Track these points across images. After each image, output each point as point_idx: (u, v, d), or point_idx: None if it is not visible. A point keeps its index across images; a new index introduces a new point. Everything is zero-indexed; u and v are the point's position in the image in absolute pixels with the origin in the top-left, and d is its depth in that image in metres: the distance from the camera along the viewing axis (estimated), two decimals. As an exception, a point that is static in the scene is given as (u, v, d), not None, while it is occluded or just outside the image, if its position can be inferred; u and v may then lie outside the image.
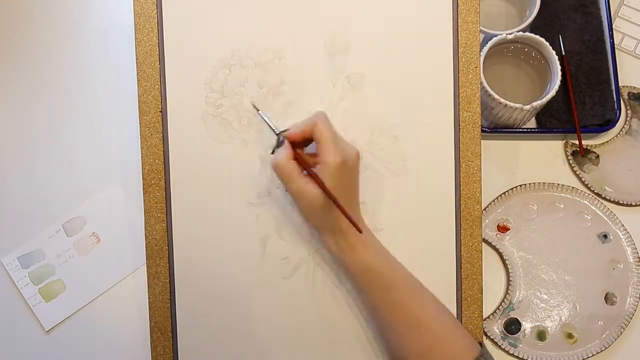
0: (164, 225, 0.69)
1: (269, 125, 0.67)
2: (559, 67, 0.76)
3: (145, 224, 0.69)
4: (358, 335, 0.70)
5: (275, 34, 0.69)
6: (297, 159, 0.64)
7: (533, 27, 0.82)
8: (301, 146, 0.66)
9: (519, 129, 0.81)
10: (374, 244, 0.66)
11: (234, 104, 0.69)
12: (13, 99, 0.81)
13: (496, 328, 0.78)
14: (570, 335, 0.77)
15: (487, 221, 0.80)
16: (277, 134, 0.66)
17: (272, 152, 0.67)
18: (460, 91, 0.70)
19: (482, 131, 0.73)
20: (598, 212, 0.80)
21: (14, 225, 0.78)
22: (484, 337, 0.77)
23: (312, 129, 0.63)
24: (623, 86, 0.84)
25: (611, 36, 0.82)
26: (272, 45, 0.69)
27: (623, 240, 0.79)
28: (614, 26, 0.84)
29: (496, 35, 0.77)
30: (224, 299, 0.69)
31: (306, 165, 0.63)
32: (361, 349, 0.70)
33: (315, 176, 0.62)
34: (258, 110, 0.68)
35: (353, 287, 0.68)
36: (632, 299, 0.78)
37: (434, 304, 0.66)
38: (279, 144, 0.65)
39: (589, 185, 0.81)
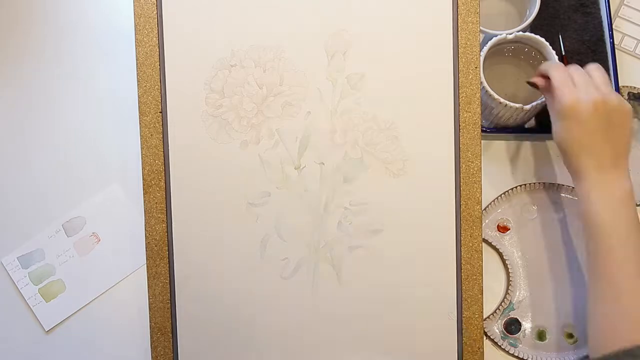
0: (164, 225, 0.69)
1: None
2: (559, 67, 0.76)
3: (145, 225, 0.69)
4: (358, 335, 0.70)
5: (275, 34, 0.69)
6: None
7: (533, 27, 0.82)
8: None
9: (519, 129, 0.81)
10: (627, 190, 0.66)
11: (234, 104, 0.69)
12: (13, 98, 0.81)
13: (496, 328, 0.78)
14: (570, 335, 0.77)
15: (487, 221, 0.80)
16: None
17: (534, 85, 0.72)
18: (460, 91, 0.70)
19: (482, 131, 0.73)
20: (598, 212, 0.80)
21: (14, 225, 0.78)
22: (484, 337, 0.77)
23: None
24: (623, 86, 0.84)
25: (611, 36, 0.82)
26: (272, 45, 0.69)
27: (623, 240, 0.79)
28: (614, 26, 0.84)
29: (496, 35, 0.77)
30: (224, 300, 0.69)
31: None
32: (361, 349, 0.70)
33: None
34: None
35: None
36: (632, 299, 0.78)
37: None
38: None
39: (589, 185, 0.81)
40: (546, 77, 0.71)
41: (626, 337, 0.61)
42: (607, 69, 0.82)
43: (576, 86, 0.67)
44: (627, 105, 0.67)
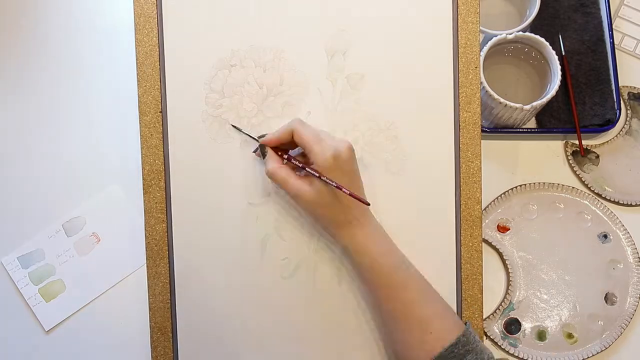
0: (164, 225, 0.69)
1: (250, 136, 0.68)
2: (559, 67, 0.76)
3: (145, 224, 0.69)
4: (358, 334, 0.70)
5: (275, 34, 0.69)
6: (288, 161, 0.65)
7: (533, 27, 0.82)
8: (288, 149, 0.67)
9: (519, 129, 0.81)
10: (377, 231, 0.66)
11: (234, 104, 0.69)
12: (13, 99, 0.81)
13: (496, 328, 0.78)
14: (570, 335, 0.77)
15: (487, 221, 0.80)
16: (258, 141, 0.67)
17: (255, 151, 0.68)
18: (460, 91, 0.70)
19: (482, 131, 0.73)
20: (598, 212, 0.80)
21: (14, 225, 0.78)
22: (484, 337, 0.77)
23: (291, 135, 0.64)
24: (623, 86, 0.84)
25: (611, 36, 0.82)
26: (272, 45, 0.69)
27: (623, 240, 0.79)
28: (614, 26, 0.84)
29: (496, 35, 0.77)
30: (224, 299, 0.69)
31: (298, 163, 0.64)
32: (362, 349, 0.70)
33: (310, 169, 0.63)
34: (239, 129, 0.69)
35: (355, 276, 0.69)
36: (632, 299, 0.78)
37: (421, 289, 0.66)
38: (263, 153, 0.66)
39: (589, 185, 0.81)
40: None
41: (422, 347, 0.63)
42: (607, 69, 0.82)
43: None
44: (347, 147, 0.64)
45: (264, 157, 0.66)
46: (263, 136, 0.67)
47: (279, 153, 0.66)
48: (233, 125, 0.68)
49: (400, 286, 0.64)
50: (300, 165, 0.64)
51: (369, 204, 0.62)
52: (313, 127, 0.65)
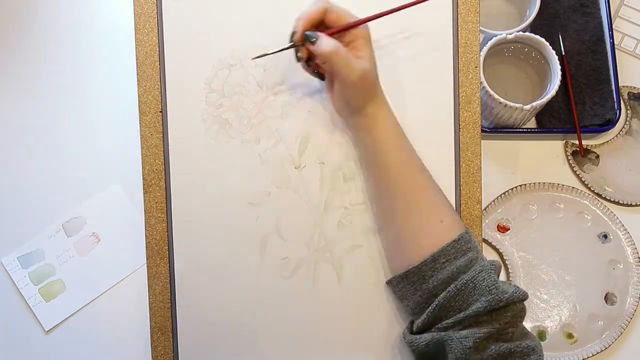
0: (164, 225, 0.69)
1: (283, 48, 0.63)
2: (559, 67, 0.76)
3: (145, 224, 0.69)
4: (358, 335, 0.70)
5: (275, 34, 0.69)
6: (336, 32, 0.63)
7: (533, 27, 0.82)
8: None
9: (519, 129, 0.81)
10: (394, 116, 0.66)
11: (234, 104, 0.69)
12: (13, 98, 0.81)
13: (496, 328, 0.78)
14: (570, 335, 0.77)
15: (487, 221, 0.80)
16: (303, 35, 0.62)
17: (298, 59, 0.64)
18: (460, 91, 0.70)
19: (482, 131, 0.73)
20: (598, 212, 0.80)
21: (14, 225, 0.78)
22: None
23: (322, 15, 0.62)
24: (623, 86, 0.84)
25: (611, 36, 0.82)
26: (272, 45, 0.69)
27: (623, 240, 0.79)
28: (614, 26, 0.84)
29: (496, 35, 0.78)
30: (224, 299, 0.69)
31: (343, 24, 0.62)
32: (361, 349, 0.70)
33: (367, 18, 0.62)
34: (266, 54, 0.65)
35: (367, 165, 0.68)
36: (632, 299, 0.78)
37: (428, 175, 0.66)
38: (311, 41, 0.61)
39: (589, 185, 0.81)
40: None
41: (433, 235, 0.63)
42: (607, 69, 0.82)
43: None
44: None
45: (299, 58, 0.63)
46: (293, 35, 0.63)
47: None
48: (258, 56, 0.65)
49: (417, 168, 0.65)
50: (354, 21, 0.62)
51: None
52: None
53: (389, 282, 0.67)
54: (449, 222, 0.63)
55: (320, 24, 0.63)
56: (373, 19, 0.63)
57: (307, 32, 0.62)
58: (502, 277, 0.79)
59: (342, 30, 0.63)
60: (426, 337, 0.61)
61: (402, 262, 0.65)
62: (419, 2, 0.64)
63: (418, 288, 0.63)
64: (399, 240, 0.66)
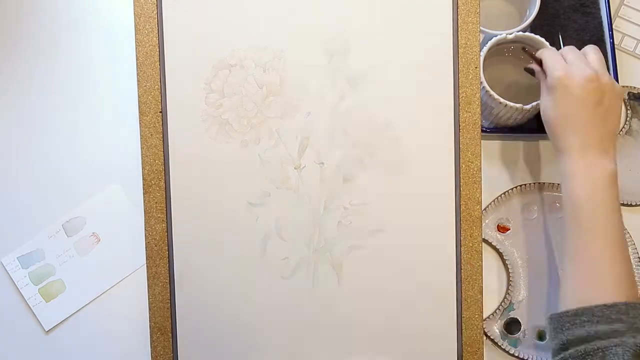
0: (164, 225, 0.69)
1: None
2: (559, 67, 0.76)
3: (145, 224, 0.69)
4: (358, 335, 0.70)
5: (275, 34, 0.69)
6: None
7: (533, 27, 0.82)
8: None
9: (519, 129, 0.81)
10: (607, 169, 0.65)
11: (234, 104, 0.69)
12: (13, 99, 0.81)
13: (496, 328, 0.78)
14: (570, 335, 0.77)
15: (487, 221, 0.80)
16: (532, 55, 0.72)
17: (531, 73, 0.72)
18: (460, 91, 0.70)
19: (482, 131, 0.73)
20: (598, 212, 0.80)
21: (14, 225, 0.78)
22: (484, 337, 0.77)
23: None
24: (623, 86, 0.84)
25: (611, 36, 0.82)
26: (272, 45, 0.69)
27: (623, 240, 0.79)
28: (614, 26, 0.84)
29: (496, 35, 0.77)
30: (224, 299, 0.69)
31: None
32: (361, 349, 0.70)
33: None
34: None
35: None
36: (632, 299, 0.78)
37: (612, 242, 0.64)
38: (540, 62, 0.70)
39: (589, 185, 0.81)
40: (541, 63, 0.70)
41: (587, 292, 0.62)
42: (607, 69, 0.82)
43: (568, 62, 0.67)
44: (620, 87, 0.66)
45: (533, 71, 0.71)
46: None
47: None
48: (524, 50, 0.73)
49: (599, 234, 0.63)
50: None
51: None
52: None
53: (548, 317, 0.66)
54: (610, 290, 0.61)
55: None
56: None
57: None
58: (502, 277, 0.79)
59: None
60: None
61: (560, 305, 0.64)
62: None
63: (556, 335, 0.62)
64: (562, 284, 0.65)
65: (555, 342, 0.62)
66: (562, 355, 0.60)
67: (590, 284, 0.62)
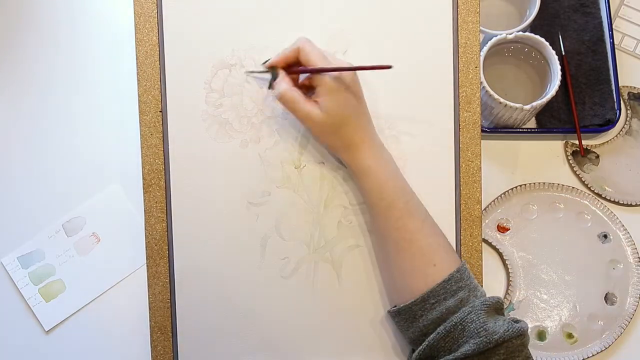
0: (164, 225, 0.69)
1: (259, 71, 0.68)
2: (559, 67, 0.76)
3: (145, 224, 0.69)
4: (358, 335, 0.70)
5: (275, 34, 0.69)
6: (296, 73, 0.65)
7: (533, 27, 0.82)
8: (296, 78, 0.67)
9: (519, 129, 0.81)
10: (383, 153, 0.66)
11: (234, 104, 0.69)
12: (13, 99, 0.81)
13: (496, 328, 0.78)
14: (570, 335, 0.77)
15: (487, 221, 0.80)
16: (267, 68, 0.66)
17: (270, 87, 0.68)
18: (460, 91, 0.70)
19: (482, 131, 0.73)
20: (598, 212, 0.80)
21: (14, 225, 0.78)
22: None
23: (297, 53, 0.64)
24: (623, 86, 0.84)
25: (611, 36, 0.82)
26: (272, 45, 0.69)
27: (623, 240, 0.79)
28: (614, 26, 0.84)
29: (496, 35, 0.78)
30: (224, 299, 0.69)
31: (308, 71, 0.64)
32: (361, 349, 0.70)
33: (321, 69, 0.62)
34: (253, 71, 0.69)
35: (363, 201, 0.68)
36: (632, 299, 0.78)
37: (422, 217, 0.65)
38: (274, 78, 0.66)
39: (589, 185, 0.81)
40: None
41: (423, 277, 0.63)
42: (607, 69, 0.82)
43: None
44: (352, 76, 0.64)
45: (271, 85, 0.67)
46: (266, 62, 0.67)
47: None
48: (249, 72, 0.69)
49: (405, 213, 0.64)
50: (314, 68, 0.63)
51: (390, 67, 0.60)
52: (319, 47, 0.65)
53: (388, 312, 0.68)
54: (441, 264, 0.63)
55: (296, 62, 0.65)
56: (324, 70, 0.63)
57: (273, 68, 0.66)
58: (502, 277, 0.79)
59: (294, 73, 0.65)
60: None
61: (396, 299, 0.66)
62: (368, 69, 0.63)
63: (410, 325, 0.64)
64: (392, 278, 0.67)
65: (412, 332, 0.63)
66: (425, 343, 0.61)
67: (423, 267, 0.63)
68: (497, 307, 0.62)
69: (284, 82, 0.65)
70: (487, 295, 0.63)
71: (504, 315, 0.63)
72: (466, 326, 0.60)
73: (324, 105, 0.63)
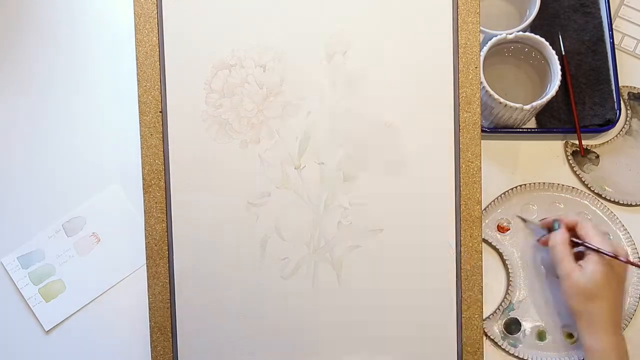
0: (164, 225, 0.69)
1: (535, 224, 0.78)
2: (559, 67, 0.76)
3: (145, 224, 0.69)
4: (358, 335, 0.70)
5: (275, 34, 0.69)
6: (571, 243, 0.72)
7: (533, 27, 0.82)
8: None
9: (519, 129, 0.81)
10: (616, 339, 0.69)
11: (234, 104, 0.69)
12: (13, 99, 0.81)
13: (496, 328, 0.78)
14: (570, 335, 0.77)
15: (487, 221, 0.80)
16: (553, 221, 0.75)
17: (538, 240, 0.77)
18: (460, 91, 0.70)
19: (482, 131, 0.73)
20: (598, 212, 0.80)
21: (14, 225, 0.78)
22: (484, 337, 0.77)
23: (575, 225, 0.73)
24: (623, 86, 0.84)
25: (611, 36, 0.82)
26: (272, 45, 0.69)
27: (623, 240, 0.79)
28: (614, 26, 0.84)
29: (496, 35, 0.78)
30: (224, 299, 0.69)
31: (583, 242, 0.71)
32: (361, 349, 0.70)
33: (596, 250, 0.69)
34: (529, 222, 0.79)
35: None
36: (632, 299, 0.78)
37: None
38: (553, 229, 0.74)
39: (589, 185, 0.81)
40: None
41: None
42: (607, 69, 0.82)
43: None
44: (623, 266, 0.71)
45: (540, 239, 0.76)
46: (556, 220, 0.75)
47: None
48: (528, 222, 0.79)
49: None
50: (592, 247, 0.70)
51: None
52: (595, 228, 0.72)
53: None
54: None
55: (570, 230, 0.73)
56: (602, 252, 0.69)
57: (556, 221, 0.75)
58: (502, 277, 0.79)
59: (578, 245, 0.72)
60: None
61: None
62: None
63: None
64: None
65: None
66: None
67: None
68: None
69: (562, 234, 0.72)
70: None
71: None
72: None
73: (587, 271, 0.69)
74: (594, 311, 0.68)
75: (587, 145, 0.82)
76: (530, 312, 0.78)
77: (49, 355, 0.76)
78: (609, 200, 0.81)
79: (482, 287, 0.70)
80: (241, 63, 0.69)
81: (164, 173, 0.69)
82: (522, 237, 0.80)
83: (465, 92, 0.70)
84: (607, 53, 0.82)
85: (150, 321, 0.69)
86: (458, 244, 0.70)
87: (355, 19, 0.70)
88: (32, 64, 0.82)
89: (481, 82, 0.74)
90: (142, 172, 0.69)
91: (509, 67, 0.81)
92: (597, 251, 0.69)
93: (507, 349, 0.77)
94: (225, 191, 0.69)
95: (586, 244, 0.70)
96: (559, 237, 0.72)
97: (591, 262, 0.69)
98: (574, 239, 0.72)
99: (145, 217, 0.69)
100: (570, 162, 0.82)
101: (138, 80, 0.69)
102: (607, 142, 0.83)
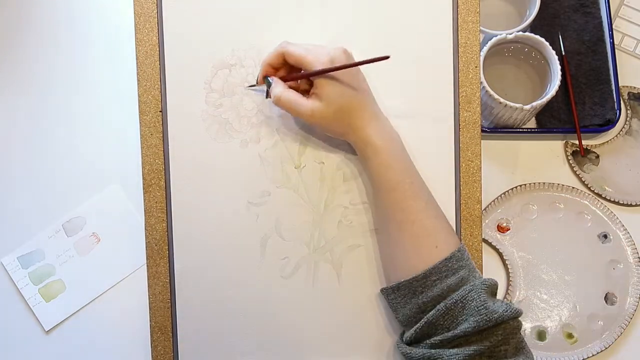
0: (164, 225, 0.69)
1: (254, 85, 0.69)
2: (559, 67, 0.76)
3: (145, 224, 0.69)
4: (358, 335, 0.70)
5: (275, 34, 0.69)
6: (291, 79, 0.66)
7: (533, 27, 0.82)
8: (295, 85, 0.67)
9: (519, 129, 0.81)
10: (388, 129, 0.66)
11: (234, 103, 0.69)
12: (13, 99, 0.81)
13: (496, 328, 0.78)
14: (570, 335, 0.77)
15: (487, 221, 0.80)
16: (264, 79, 0.67)
17: (267, 96, 0.68)
18: (460, 91, 0.70)
19: (482, 131, 0.73)
20: (598, 212, 0.80)
21: (14, 225, 0.78)
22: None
23: (282, 57, 0.65)
24: (623, 86, 0.84)
25: (611, 36, 0.82)
26: (272, 45, 0.69)
27: (623, 240, 0.79)
28: (614, 26, 0.84)
29: (496, 35, 0.78)
30: (224, 299, 0.69)
31: (301, 72, 0.65)
32: (361, 349, 0.70)
33: (321, 70, 0.62)
34: (251, 86, 0.70)
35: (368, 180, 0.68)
36: (632, 299, 0.78)
37: (426, 198, 0.66)
38: (269, 86, 0.66)
39: (589, 185, 0.81)
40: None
41: (424, 256, 0.63)
42: (607, 69, 0.82)
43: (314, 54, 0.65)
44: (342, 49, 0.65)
45: (268, 95, 0.67)
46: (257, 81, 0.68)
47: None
48: (248, 87, 0.69)
49: (410, 194, 0.64)
50: (305, 72, 0.64)
51: (388, 57, 0.61)
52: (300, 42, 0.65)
53: (382, 291, 0.67)
54: (443, 244, 0.63)
55: (284, 65, 0.66)
56: (317, 73, 0.63)
57: (266, 77, 0.66)
58: (502, 277, 0.79)
59: (294, 79, 0.66)
60: (418, 352, 0.62)
61: (394, 276, 0.66)
62: (365, 63, 0.63)
63: (408, 301, 0.63)
64: (392, 257, 0.66)
65: (409, 308, 0.63)
66: (424, 320, 0.61)
67: (426, 247, 0.63)
68: (493, 290, 0.63)
69: (278, 86, 0.65)
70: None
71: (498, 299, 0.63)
72: (467, 304, 0.60)
73: (323, 95, 0.63)
74: (352, 119, 0.64)
75: (587, 145, 0.82)
76: (530, 312, 0.78)
77: (49, 355, 0.76)
78: (609, 200, 0.81)
79: (482, 286, 0.70)
80: (241, 63, 0.69)
81: (164, 173, 0.69)
82: (522, 237, 0.80)
83: (465, 92, 0.70)
84: (607, 53, 0.82)
85: (150, 321, 0.69)
86: (458, 243, 0.70)
87: (355, 19, 0.70)
88: (32, 64, 0.82)
89: (481, 82, 0.74)
90: (142, 171, 0.69)
91: (509, 67, 0.81)
92: (318, 72, 0.63)
93: (507, 349, 0.77)
94: (225, 191, 0.69)
95: (304, 73, 0.64)
96: (277, 89, 0.64)
97: (319, 86, 0.63)
98: (292, 75, 0.66)
99: (145, 216, 0.69)
100: (570, 162, 0.82)
101: (138, 80, 0.69)
102: (607, 142, 0.83)
